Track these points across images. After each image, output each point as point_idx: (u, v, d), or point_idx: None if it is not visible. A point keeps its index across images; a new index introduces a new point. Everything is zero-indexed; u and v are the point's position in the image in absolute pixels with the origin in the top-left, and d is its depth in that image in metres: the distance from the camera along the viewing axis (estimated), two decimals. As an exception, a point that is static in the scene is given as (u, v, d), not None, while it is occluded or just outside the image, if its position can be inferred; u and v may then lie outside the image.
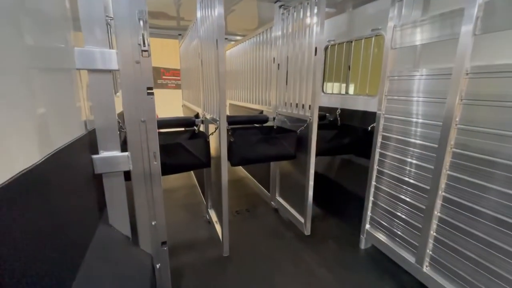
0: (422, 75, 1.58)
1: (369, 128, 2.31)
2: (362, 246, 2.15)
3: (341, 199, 2.60)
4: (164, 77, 6.64)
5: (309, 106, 2.05)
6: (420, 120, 1.61)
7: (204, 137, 1.89)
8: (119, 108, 1.17)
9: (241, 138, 1.89)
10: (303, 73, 2.11)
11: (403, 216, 1.77)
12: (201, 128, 2.45)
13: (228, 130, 1.83)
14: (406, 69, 1.70)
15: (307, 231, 2.22)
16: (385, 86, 1.84)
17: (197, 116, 2.77)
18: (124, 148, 1.21)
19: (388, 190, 1.88)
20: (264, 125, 2.58)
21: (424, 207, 1.59)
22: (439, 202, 1.49)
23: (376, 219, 2.01)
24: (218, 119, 1.79)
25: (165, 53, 6.43)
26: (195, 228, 2.45)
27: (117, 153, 1.18)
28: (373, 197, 2.02)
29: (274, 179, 2.75)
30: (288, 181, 2.52)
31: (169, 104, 6.75)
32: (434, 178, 1.50)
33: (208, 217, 2.52)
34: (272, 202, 2.84)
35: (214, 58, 1.77)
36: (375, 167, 1.98)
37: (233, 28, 3.68)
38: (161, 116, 2.25)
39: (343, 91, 2.81)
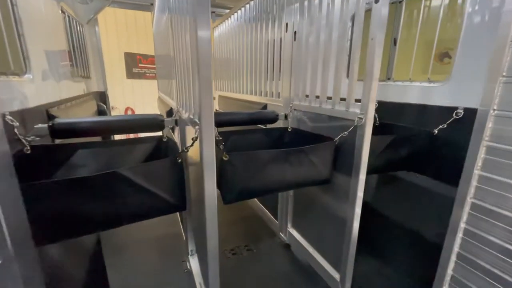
0: None
1: (436, 131, 1.50)
2: (433, 318, 1.37)
3: (391, 242, 1.78)
4: (141, 65, 5.62)
5: (352, 100, 1.21)
6: None
7: (173, 155, 1.01)
8: None
9: (241, 156, 1.03)
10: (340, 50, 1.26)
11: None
12: (176, 134, 1.56)
13: (218, 141, 0.97)
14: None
15: (345, 295, 1.41)
16: (504, 60, 1.03)
17: (170, 112, 1.87)
18: None
19: (498, 241, 1.08)
20: (272, 126, 1.72)
21: None
22: None
23: (463, 282, 1.22)
24: (197, 121, 0.92)
25: (142, 35, 5.41)
26: (170, 282, 1.60)
27: None
28: (461, 247, 1.22)
29: (284, 201, 1.92)
30: (310, 208, 1.68)
31: (149, 98, 5.77)
32: None
33: (189, 266, 1.67)
34: (282, 234, 2.02)
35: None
36: (469, 199, 1.17)
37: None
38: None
39: (383, 76, 1.99)
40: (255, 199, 2.60)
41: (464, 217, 1.19)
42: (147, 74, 5.73)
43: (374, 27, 1.05)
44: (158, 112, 3.72)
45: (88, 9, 2.57)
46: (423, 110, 1.60)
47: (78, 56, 2.31)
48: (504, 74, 1.03)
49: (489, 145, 1.10)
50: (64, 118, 1.19)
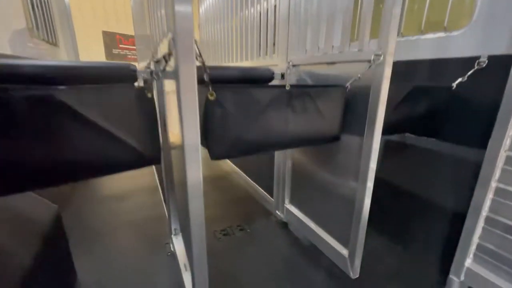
0: None
1: (454, 85, 1.32)
2: (453, 294, 1.20)
3: (405, 213, 1.61)
4: (121, 46, 5.21)
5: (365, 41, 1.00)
6: None
7: (142, 90, 0.76)
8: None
9: (234, 94, 0.80)
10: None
11: None
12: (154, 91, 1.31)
13: (206, 81, 0.74)
14: None
15: (354, 272, 1.22)
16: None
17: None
18: None
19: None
20: (269, 85, 1.49)
21: None
22: None
23: (494, 250, 1.06)
24: (171, 33, 0.68)
25: (121, 13, 5.00)
26: (150, 267, 1.37)
27: None
28: (492, 210, 1.05)
29: (281, 175, 1.71)
30: (311, 181, 1.48)
31: (131, 82, 5.40)
32: None
33: (172, 247, 1.44)
34: (278, 212, 1.81)
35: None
36: (503, 152, 1.00)
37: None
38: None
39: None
40: (245, 174, 2.38)
41: (497, 174, 1.01)
42: (129, 56, 5.33)
43: None
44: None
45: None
46: (438, 66, 1.41)
47: (39, 14, 1.98)
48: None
49: (531, 84, 0.92)
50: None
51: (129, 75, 1.05)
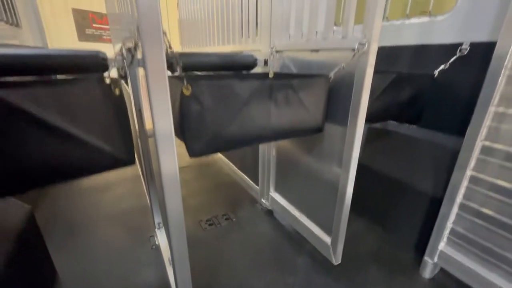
0: None
1: (436, 72, 1.32)
2: (427, 274, 1.28)
3: (386, 197, 1.65)
4: (95, 25, 4.84)
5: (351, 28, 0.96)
6: None
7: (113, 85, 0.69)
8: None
9: (211, 87, 0.75)
10: None
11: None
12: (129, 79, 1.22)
13: (181, 76, 0.68)
14: None
15: (336, 259, 1.27)
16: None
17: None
18: None
19: (505, 184, 0.95)
20: (250, 72, 1.43)
21: None
22: None
23: (465, 235, 1.11)
24: (135, 25, 0.61)
25: (92, -12, 4.59)
26: (134, 262, 1.35)
27: None
28: (465, 196, 1.09)
29: (266, 163, 1.70)
30: (295, 169, 1.48)
31: (108, 64, 5.08)
32: None
33: (156, 241, 1.42)
34: (263, 200, 1.82)
35: None
36: (475, 154, 1.02)
37: None
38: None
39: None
40: (229, 161, 2.35)
41: (472, 163, 1.04)
42: (104, 37, 4.97)
43: None
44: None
45: None
46: (421, 52, 1.40)
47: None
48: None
49: (510, 74, 0.92)
50: None
51: (100, 63, 0.97)
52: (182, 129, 0.77)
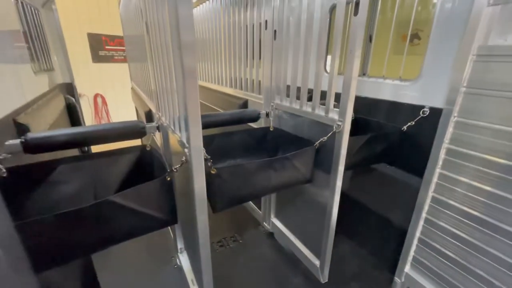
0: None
1: (405, 127, 1.64)
2: (397, 291, 1.59)
3: (365, 227, 1.97)
4: (107, 47, 5.19)
5: (333, 104, 1.28)
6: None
7: (163, 175, 1.01)
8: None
9: (229, 169, 1.07)
10: (312, 46, 1.28)
11: (478, 271, 1.19)
12: (158, 138, 1.54)
13: (206, 159, 1.00)
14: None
15: (324, 278, 1.58)
16: (466, 70, 1.13)
17: (149, 114, 1.83)
18: None
19: (452, 229, 1.27)
20: (254, 124, 1.76)
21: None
22: None
23: (423, 262, 1.43)
24: (186, 144, 0.93)
25: (105, 13, 4.94)
26: (160, 278, 1.67)
27: None
28: (422, 233, 1.41)
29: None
30: (292, 199, 1.80)
31: (118, 82, 5.42)
32: None
33: (178, 262, 1.74)
34: (265, 223, 2.14)
35: (169, 19, 0.87)
36: (430, 193, 1.34)
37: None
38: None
39: (358, 72, 2.05)
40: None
41: (426, 208, 1.36)
42: (116, 57, 5.32)
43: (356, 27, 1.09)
44: (133, 105, 3.55)
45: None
46: (394, 107, 1.72)
47: (38, 48, 2.10)
48: (465, 84, 1.14)
49: (450, 148, 1.24)
50: (37, 132, 1.12)
51: (139, 131, 1.30)
52: (209, 194, 1.09)
